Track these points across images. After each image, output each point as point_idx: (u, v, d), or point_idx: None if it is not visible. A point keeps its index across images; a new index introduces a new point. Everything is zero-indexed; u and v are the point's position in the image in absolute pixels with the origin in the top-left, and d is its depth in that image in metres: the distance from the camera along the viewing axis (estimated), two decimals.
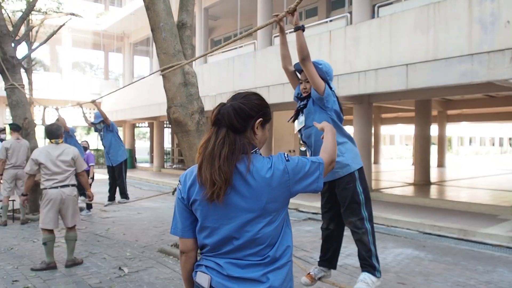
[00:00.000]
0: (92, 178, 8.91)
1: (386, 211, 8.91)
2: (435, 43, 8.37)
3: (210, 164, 1.67)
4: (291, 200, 10.63)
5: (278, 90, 11.07)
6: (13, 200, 8.22)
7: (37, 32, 13.74)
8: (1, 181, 8.01)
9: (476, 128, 43.91)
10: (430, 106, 13.70)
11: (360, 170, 3.16)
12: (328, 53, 10.29)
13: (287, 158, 1.75)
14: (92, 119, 7.65)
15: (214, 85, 13.69)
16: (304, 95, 3.17)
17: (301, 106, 3.17)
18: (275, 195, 1.70)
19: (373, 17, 11.04)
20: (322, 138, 2.91)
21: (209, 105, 14.02)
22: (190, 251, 1.83)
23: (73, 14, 11.24)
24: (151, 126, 24.49)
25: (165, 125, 20.99)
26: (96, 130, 7.17)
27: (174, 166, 21.31)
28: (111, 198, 7.32)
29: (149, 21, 5.42)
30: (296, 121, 3.24)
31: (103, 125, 7.08)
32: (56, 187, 5.14)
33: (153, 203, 10.60)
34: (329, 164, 1.91)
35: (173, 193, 6.01)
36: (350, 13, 11.65)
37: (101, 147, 24.34)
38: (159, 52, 5.42)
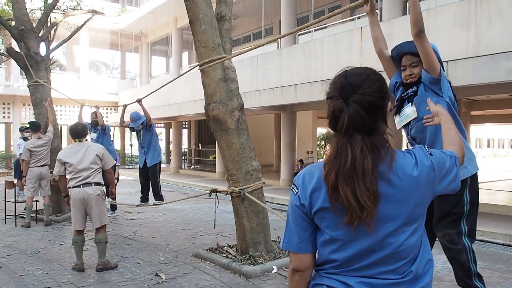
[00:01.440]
0: (117, 179, 8.65)
1: None
2: (477, 39, 7.98)
3: (352, 183, 1.34)
4: None
5: (306, 89, 10.72)
6: (37, 201, 7.99)
7: (55, 31, 13.55)
8: (25, 181, 7.80)
9: (494, 129, 42.99)
10: (461, 106, 13.23)
11: (474, 175, 2.69)
12: (359, 50, 9.93)
13: (429, 152, 1.45)
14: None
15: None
16: (409, 81, 2.78)
17: (410, 94, 2.76)
18: (422, 197, 1.40)
19: (404, 13, 10.66)
20: (425, 120, 2.36)
21: None
22: (307, 269, 1.50)
23: (95, 11, 11.02)
24: (167, 126, 24.27)
25: (183, 126, 20.75)
26: (132, 130, 6.85)
27: (193, 167, 21.05)
28: (144, 199, 7.01)
29: (187, 13, 5.12)
30: (398, 115, 2.81)
31: (141, 127, 6.80)
32: (78, 186, 4.91)
33: (176, 205, 10.31)
34: (461, 159, 1.59)
35: (209, 194, 5.70)
36: (380, 9, 11.28)
37: (117, 146, 24.26)
38: (198, 45, 5.12)
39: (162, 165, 23.26)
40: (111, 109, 21.62)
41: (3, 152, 22.04)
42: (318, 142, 26.53)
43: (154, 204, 6.99)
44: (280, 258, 5.23)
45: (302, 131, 18.25)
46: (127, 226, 7.68)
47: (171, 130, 20.38)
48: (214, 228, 6.02)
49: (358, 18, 12.10)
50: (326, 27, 13.31)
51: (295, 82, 11.29)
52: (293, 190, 1.50)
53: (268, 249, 5.39)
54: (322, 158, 27.05)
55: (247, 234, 5.32)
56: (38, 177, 7.62)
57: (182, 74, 6.34)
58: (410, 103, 2.72)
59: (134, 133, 7.28)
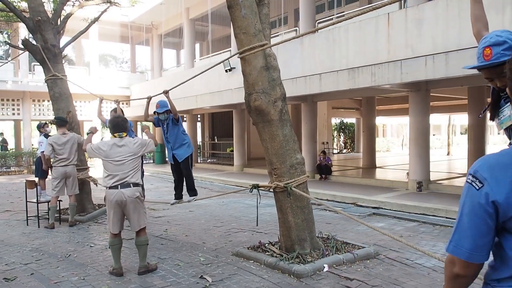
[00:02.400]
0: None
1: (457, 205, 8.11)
2: None
3: None
4: (347, 194, 9.88)
5: (331, 78, 10.32)
6: (60, 201, 7.70)
7: (65, 23, 13.24)
8: (51, 172, 7.50)
9: None
10: (485, 94, 12.78)
11: None
12: (387, 37, 9.52)
13: None
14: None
15: None
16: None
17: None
18: None
19: None
20: None
21: None
22: (474, 277, 1.31)
23: (110, 2, 10.66)
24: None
25: (197, 119, 20.37)
26: (157, 125, 6.39)
27: (209, 160, 20.70)
28: (179, 196, 6.64)
29: None
30: (497, 117, 2.14)
31: (166, 116, 6.33)
32: (116, 187, 4.58)
33: (200, 200, 9.99)
34: None
35: (251, 190, 5.36)
36: None
37: None
38: (237, 31, 4.77)
39: None
40: (123, 104, 21.28)
41: (13, 150, 21.79)
42: (333, 133, 26.14)
43: (188, 201, 6.63)
44: (328, 255, 4.92)
45: (319, 121, 17.86)
46: (156, 224, 7.40)
47: (184, 123, 20.02)
48: (257, 225, 5.70)
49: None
50: (343, 15, 12.88)
51: (319, 71, 10.90)
52: (474, 185, 1.23)
53: (314, 246, 5.08)
54: (336, 148, 26.67)
55: (292, 230, 5.01)
56: (63, 176, 7.34)
57: (220, 63, 5.99)
58: (509, 103, 2.18)
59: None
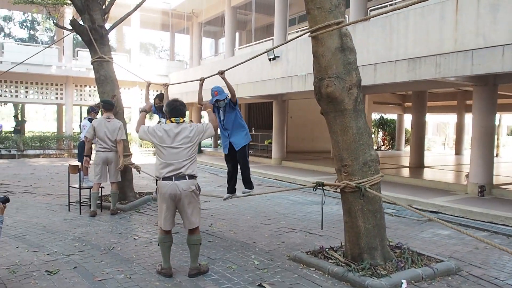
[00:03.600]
0: None
1: None
2: None
3: None
4: (399, 195, 9.11)
5: (388, 69, 9.57)
6: (102, 187, 7.36)
7: (112, 4, 12.93)
8: (87, 164, 7.17)
9: None
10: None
11: None
12: (454, 25, 8.66)
13: None
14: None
15: (301, 64, 12.36)
16: None
17: None
18: None
19: None
20: None
21: (296, 87, 12.71)
22: None
23: None
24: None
25: None
26: (215, 110, 5.80)
27: None
28: (232, 190, 6.11)
29: None
30: None
31: (224, 103, 5.76)
32: (170, 178, 4.09)
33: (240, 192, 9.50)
34: None
35: (314, 189, 4.79)
36: None
37: None
38: (311, 6, 4.17)
39: (210, 149, 22.58)
40: (156, 90, 21.04)
41: (55, 133, 22.02)
42: (373, 129, 25.17)
43: (243, 193, 6.06)
44: (404, 268, 4.29)
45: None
46: (200, 218, 6.93)
47: None
48: (322, 228, 5.12)
49: None
50: (401, 0, 12.00)
51: (372, 61, 10.14)
52: None
53: (385, 256, 4.46)
54: (375, 145, 25.71)
55: (361, 237, 4.41)
56: (104, 162, 7.00)
57: (268, 50, 5.39)
58: None
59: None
